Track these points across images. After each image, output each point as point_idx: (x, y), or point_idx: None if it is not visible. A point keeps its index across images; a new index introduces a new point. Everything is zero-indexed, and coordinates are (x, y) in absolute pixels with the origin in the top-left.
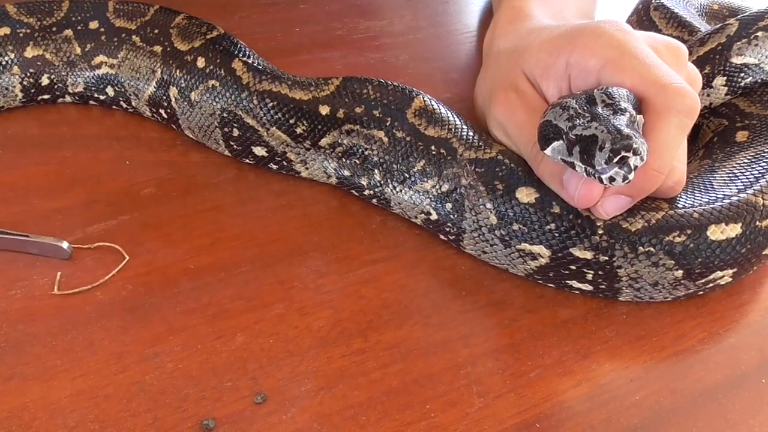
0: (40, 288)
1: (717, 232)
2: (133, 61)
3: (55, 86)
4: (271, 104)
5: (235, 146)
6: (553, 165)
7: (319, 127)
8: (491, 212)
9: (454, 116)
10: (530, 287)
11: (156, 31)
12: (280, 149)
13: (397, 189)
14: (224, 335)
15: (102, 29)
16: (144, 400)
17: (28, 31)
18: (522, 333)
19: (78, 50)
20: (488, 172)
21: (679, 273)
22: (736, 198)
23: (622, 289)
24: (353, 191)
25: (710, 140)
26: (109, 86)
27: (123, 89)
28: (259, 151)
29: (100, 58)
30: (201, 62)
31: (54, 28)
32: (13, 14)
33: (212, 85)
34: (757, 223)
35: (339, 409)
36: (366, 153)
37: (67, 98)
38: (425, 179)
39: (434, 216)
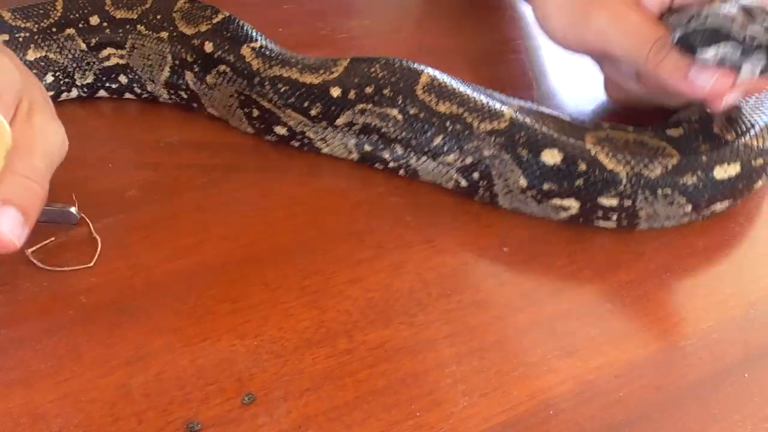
0: (23, 292)
1: (721, 172)
2: (141, 50)
3: (61, 82)
4: (283, 89)
5: (257, 125)
6: (677, 61)
7: (333, 108)
8: (520, 177)
9: (462, 86)
10: (516, 285)
11: (159, 17)
12: (299, 128)
13: (422, 160)
14: (210, 337)
15: (104, 23)
16: (129, 404)
17: (27, 35)
18: (507, 331)
19: (83, 46)
20: (509, 141)
21: (689, 208)
22: (736, 141)
23: (639, 224)
24: (377, 165)
25: None
26: (121, 75)
27: (137, 76)
28: (280, 130)
29: (108, 50)
30: (209, 47)
31: (54, 29)
32: (9, 19)
33: (223, 69)
34: (752, 162)
35: (325, 410)
36: (383, 130)
37: (73, 92)
38: (447, 153)
39: (464, 183)
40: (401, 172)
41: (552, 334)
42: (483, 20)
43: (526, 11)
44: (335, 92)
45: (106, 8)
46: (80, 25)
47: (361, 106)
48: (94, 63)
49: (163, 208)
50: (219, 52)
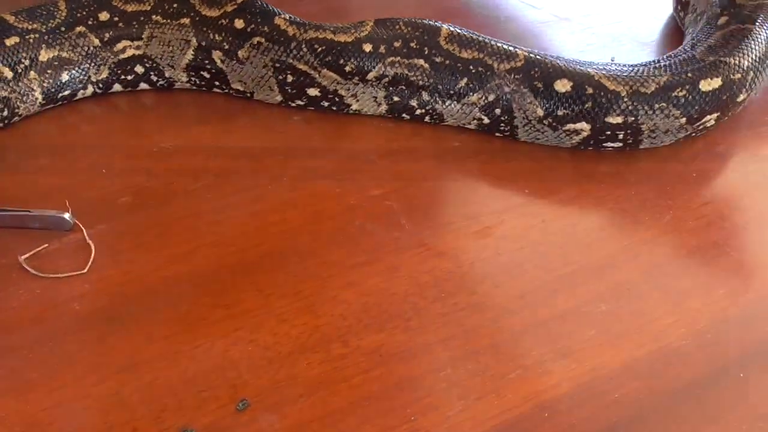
0: (16, 299)
1: (706, 85)
2: (161, 38)
3: (76, 79)
4: (320, 49)
5: (289, 90)
6: None
7: (366, 62)
8: (538, 107)
9: (479, 36)
10: (511, 287)
11: (176, 5)
12: (332, 87)
13: (447, 104)
14: (203, 344)
15: (116, 18)
16: (123, 411)
17: (37, 35)
18: (502, 334)
19: (96, 41)
20: (526, 77)
21: (683, 120)
22: (715, 60)
23: (643, 140)
24: (404, 115)
25: (701, 27)
26: (137, 65)
27: (155, 64)
28: (313, 91)
29: (123, 43)
30: (240, 23)
31: (63, 28)
32: (14, 22)
33: (257, 41)
34: (731, 76)
35: (320, 416)
36: (411, 79)
37: (89, 89)
38: (471, 93)
39: (486, 120)
40: (427, 118)
41: (547, 336)
42: None
43: None
44: (367, 48)
45: (114, 3)
46: (90, 22)
47: (390, 59)
48: (109, 57)
49: (155, 214)
50: (252, 26)
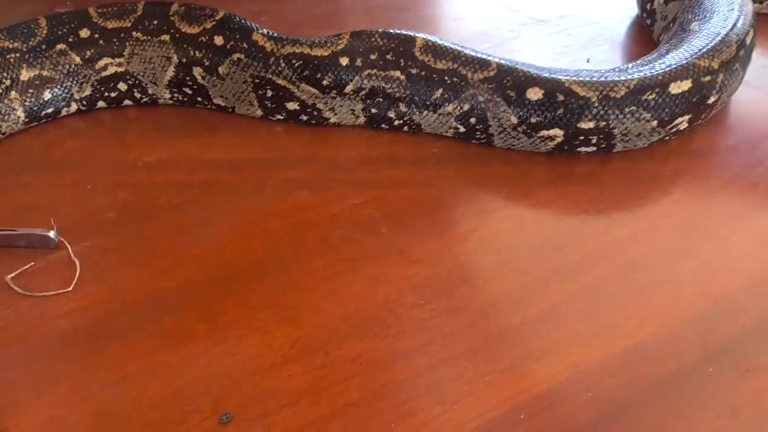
0: (3, 319)
1: (676, 88)
2: (142, 55)
3: (59, 98)
4: (297, 64)
5: (269, 105)
6: None
7: (343, 76)
8: (511, 115)
9: (453, 45)
10: (487, 291)
11: (155, 22)
12: (310, 101)
13: (424, 114)
14: (187, 357)
15: (96, 35)
16: (108, 428)
17: (18, 55)
18: (478, 338)
19: (77, 59)
20: (499, 86)
21: (655, 123)
22: (685, 62)
23: (616, 144)
24: (383, 125)
25: (675, 32)
26: (120, 82)
27: (137, 81)
28: (292, 105)
29: (105, 60)
30: (219, 40)
31: (43, 46)
32: None
33: (237, 58)
34: (701, 78)
35: (301, 425)
36: (388, 91)
37: (73, 106)
38: (446, 104)
39: (462, 129)
40: (405, 128)
41: (523, 338)
42: None
43: None
44: (344, 61)
45: (94, 20)
46: (70, 40)
47: (367, 71)
48: (91, 75)
49: (140, 229)
50: (231, 43)
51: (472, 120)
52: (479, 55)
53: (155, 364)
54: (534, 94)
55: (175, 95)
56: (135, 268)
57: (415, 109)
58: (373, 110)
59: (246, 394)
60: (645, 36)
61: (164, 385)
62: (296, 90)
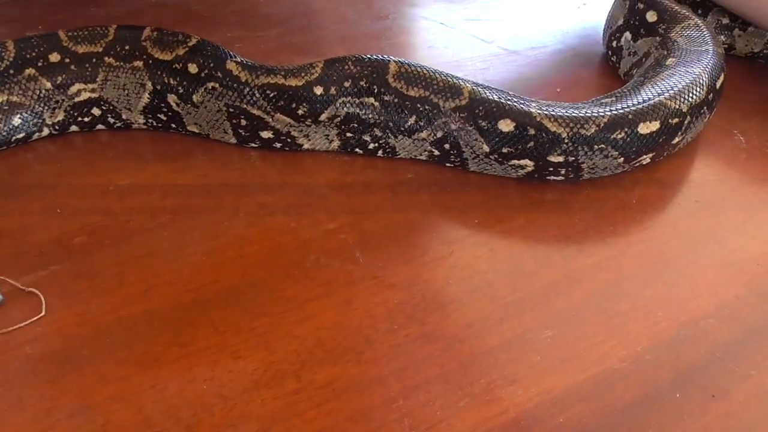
0: None
1: (644, 128)
2: (116, 81)
3: (30, 123)
4: (272, 94)
5: (243, 133)
6: None
7: (317, 105)
8: (483, 144)
9: (426, 70)
10: (460, 316)
11: (127, 47)
12: (285, 130)
13: (399, 138)
14: (157, 384)
15: (67, 59)
16: None
17: None
18: (451, 363)
19: (48, 85)
20: (470, 115)
21: (621, 159)
22: (655, 101)
23: (583, 175)
24: (358, 149)
25: (650, 65)
26: (94, 108)
27: (112, 107)
28: (266, 134)
29: (77, 86)
30: (193, 68)
31: (11, 71)
32: None
33: (212, 86)
34: (669, 120)
35: None
36: (363, 117)
37: (45, 131)
38: (420, 130)
39: (437, 153)
40: (380, 152)
41: (494, 364)
42: None
43: None
44: (318, 90)
45: (64, 44)
46: (39, 64)
47: (342, 99)
48: (63, 100)
49: (111, 253)
50: (205, 71)
51: (446, 146)
52: (451, 80)
53: (124, 390)
54: (506, 126)
55: (150, 121)
56: (106, 293)
57: (390, 134)
58: (348, 134)
59: (217, 420)
60: (612, 70)
61: (134, 412)
62: (271, 120)
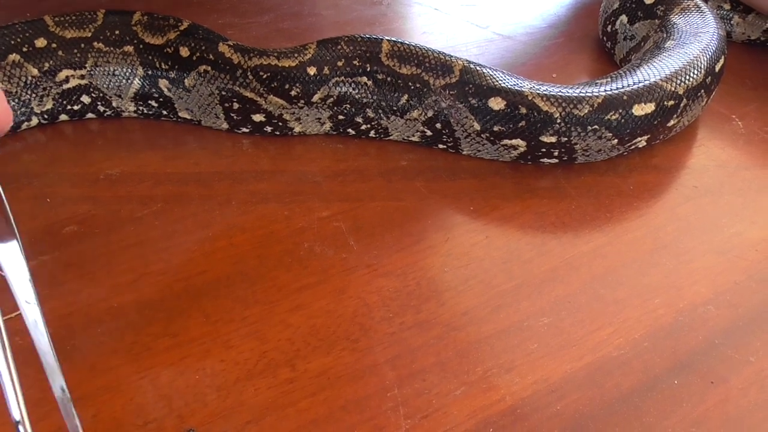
0: None
1: (639, 110)
2: (106, 67)
3: (17, 112)
4: (265, 75)
5: (235, 117)
6: None
7: (311, 86)
8: (474, 122)
9: (420, 48)
10: (456, 304)
11: (117, 32)
12: (277, 113)
13: (391, 119)
14: (149, 374)
15: (54, 45)
16: None
17: None
18: (447, 351)
19: (34, 71)
20: (460, 93)
21: (615, 141)
22: (650, 83)
23: (577, 158)
24: (350, 130)
25: (648, 49)
26: (84, 95)
27: (101, 94)
28: (258, 117)
29: (65, 72)
30: (185, 52)
31: None
32: None
33: (204, 70)
34: (665, 102)
35: None
36: (356, 97)
37: (34, 120)
38: (411, 110)
39: (429, 133)
40: (372, 133)
41: (491, 352)
42: None
43: None
44: (311, 71)
45: (51, 29)
46: (24, 50)
47: (335, 79)
48: (51, 87)
49: (102, 243)
50: (197, 54)
51: (438, 125)
52: (444, 58)
53: (115, 380)
54: (496, 104)
55: (141, 108)
56: (96, 283)
57: (382, 114)
58: (340, 117)
59: (210, 410)
60: (608, 56)
61: (125, 402)
62: (264, 102)
